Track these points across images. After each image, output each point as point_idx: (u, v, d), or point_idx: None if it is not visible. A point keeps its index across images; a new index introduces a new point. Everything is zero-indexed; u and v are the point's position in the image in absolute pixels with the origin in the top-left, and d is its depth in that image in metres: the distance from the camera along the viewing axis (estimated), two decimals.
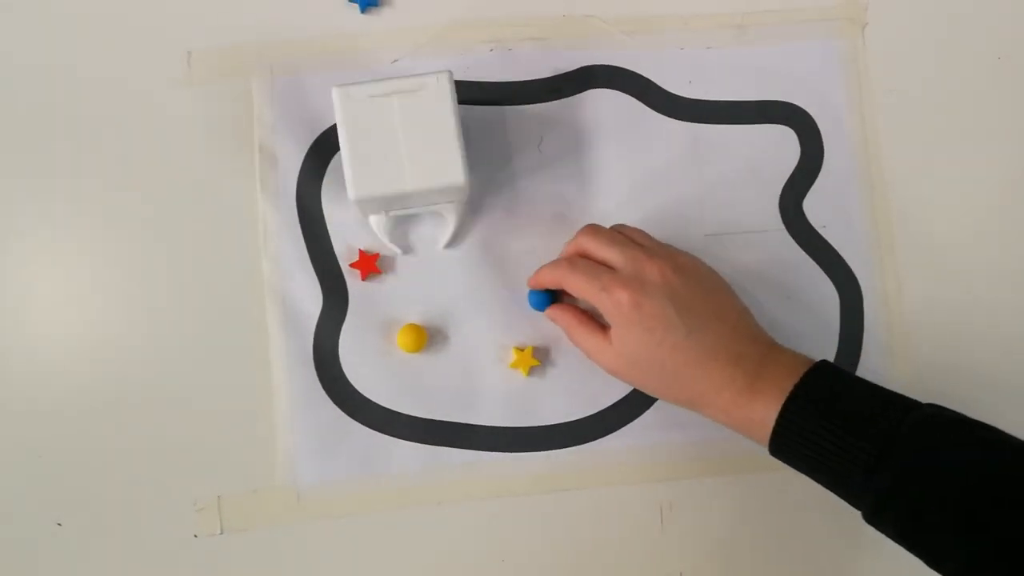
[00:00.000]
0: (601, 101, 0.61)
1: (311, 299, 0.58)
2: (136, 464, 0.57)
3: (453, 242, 0.59)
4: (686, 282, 0.52)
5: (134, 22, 0.60)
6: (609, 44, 0.62)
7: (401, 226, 0.58)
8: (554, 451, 0.58)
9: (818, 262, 0.61)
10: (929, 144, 0.62)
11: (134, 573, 0.57)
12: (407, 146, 0.52)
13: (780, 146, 0.61)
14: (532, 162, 0.60)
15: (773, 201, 0.61)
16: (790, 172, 0.61)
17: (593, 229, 0.55)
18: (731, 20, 0.62)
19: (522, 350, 0.58)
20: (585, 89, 0.61)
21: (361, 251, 0.58)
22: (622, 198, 0.60)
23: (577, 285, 0.53)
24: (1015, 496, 0.45)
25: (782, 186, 0.61)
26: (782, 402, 0.49)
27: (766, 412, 0.49)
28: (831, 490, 0.49)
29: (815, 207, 0.61)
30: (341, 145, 0.52)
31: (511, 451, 0.58)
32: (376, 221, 0.57)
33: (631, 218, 0.60)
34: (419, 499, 0.57)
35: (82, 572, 0.56)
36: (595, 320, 0.55)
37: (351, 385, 0.58)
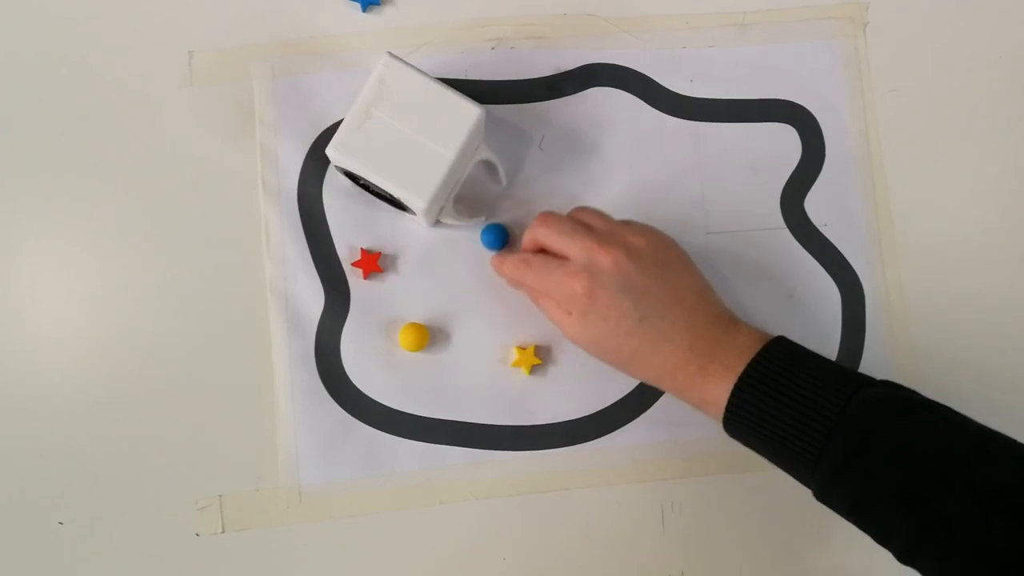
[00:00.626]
0: (603, 99, 0.61)
1: (313, 298, 0.58)
2: (138, 463, 0.57)
3: (509, 179, 0.59)
4: (640, 267, 0.52)
5: (135, 23, 0.60)
6: (611, 42, 0.62)
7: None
8: (556, 450, 0.58)
9: (819, 260, 0.61)
10: (930, 142, 0.62)
11: (135, 572, 0.57)
12: (401, 144, 0.52)
13: (781, 144, 0.61)
14: (533, 160, 0.60)
15: (775, 199, 0.61)
16: (791, 170, 0.61)
17: (546, 219, 0.54)
18: (733, 19, 0.62)
19: (524, 349, 0.58)
20: (587, 88, 0.61)
21: (363, 250, 0.58)
22: (623, 196, 0.60)
23: (532, 281, 0.54)
24: (959, 474, 0.45)
25: (783, 184, 0.61)
26: (733, 383, 0.49)
27: (718, 393, 0.50)
28: (783, 469, 0.50)
29: (816, 205, 0.61)
30: (376, 182, 0.53)
31: (513, 450, 0.58)
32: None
33: (631, 216, 0.60)
34: (421, 498, 0.57)
35: (83, 571, 0.56)
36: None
37: (353, 384, 0.58)
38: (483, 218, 0.59)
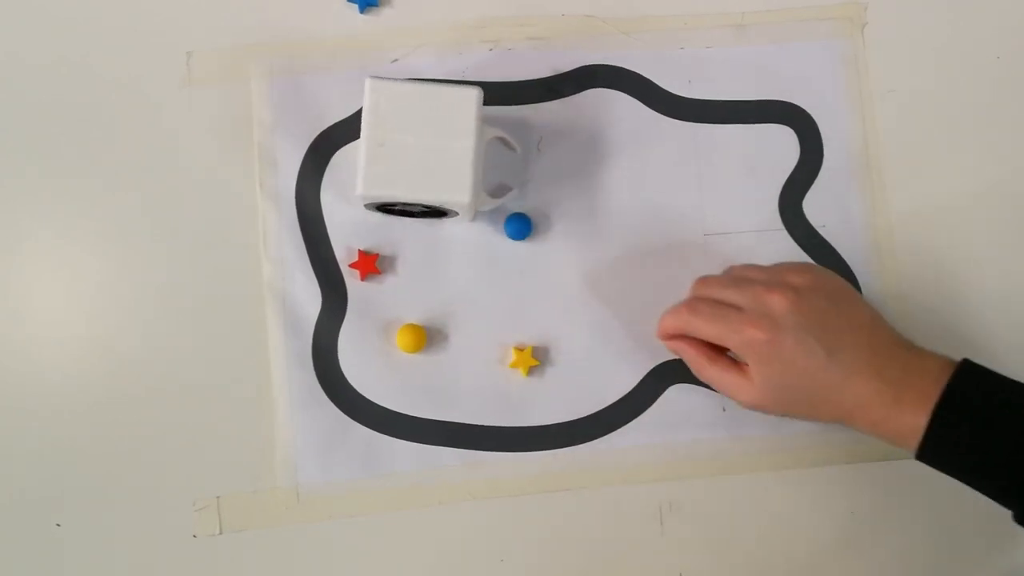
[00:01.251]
0: (601, 101, 0.61)
1: (310, 299, 0.58)
2: (135, 464, 0.57)
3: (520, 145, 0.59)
4: (812, 302, 0.51)
5: (133, 23, 0.60)
6: (609, 44, 0.61)
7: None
8: (554, 451, 0.58)
9: (817, 262, 0.60)
10: (928, 143, 0.62)
11: (133, 573, 0.57)
12: (421, 154, 0.52)
13: (779, 146, 0.61)
14: (531, 162, 0.60)
15: (772, 201, 0.61)
16: (789, 172, 0.61)
17: (705, 279, 0.54)
18: (731, 20, 0.62)
19: (522, 350, 0.58)
20: (585, 89, 0.61)
21: (360, 251, 0.58)
22: (621, 198, 0.60)
23: (704, 329, 0.53)
24: None
25: (781, 186, 0.61)
26: (930, 411, 0.48)
27: (915, 422, 0.48)
28: (983, 493, 0.49)
29: (814, 207, 0.61)
30: (362, 135, 0.52)
31: (511, 451, 0.58)
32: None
33: (630, 217, 0.60)
34: (418, 499, 0.57)
35: (81, 572, 0.56)
36: (725, 355, 0.54)
37: (350, 385, 0.58)
38: (515, 191, 0.59)
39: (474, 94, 0.53)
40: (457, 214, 0.56)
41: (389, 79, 0.53)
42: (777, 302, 0.50)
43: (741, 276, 0.54)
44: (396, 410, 0.58)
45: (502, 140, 0.58)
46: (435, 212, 0.56)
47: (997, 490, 0.49)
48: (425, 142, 0.52)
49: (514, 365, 0.58)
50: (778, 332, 0.50)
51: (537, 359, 0.58)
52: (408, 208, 0.55)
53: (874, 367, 0.50)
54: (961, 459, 0.49)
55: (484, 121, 0.54)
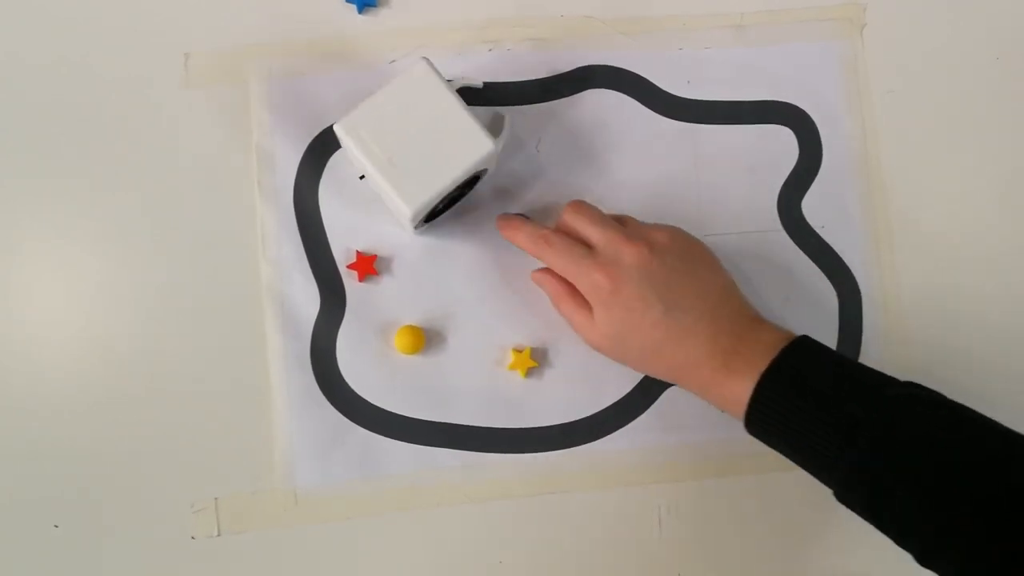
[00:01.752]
0: (599, 101, 0.61)
1: (309, 301, 0.58)
2: (134, 466, 0.57)
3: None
4: (665, 261, 0.52)
5: (131, 25, 0.60)
6: (607, 44, 0.61)
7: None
8: (552, 453, 0.58)
9: (816, 262, 0.61)
10: (927, 144, 0.62)
11: (131, 575, 0.56)
12: (428, 144, 0.52)
13: (779, 146, 0.61)
14: (530, 162, 0.60)
15: (772, 201, 0.61)
16: (788, 172, 0.61)
17: (577, 206, 0.55)
18: (730, 20, 0.62)
19: (520, 352, 0.58)
20: (583, 89, 0.61)
21: (358, 252, 0.58)
22: (620, 198, 0.60)
23: (555, 262, 0.54)
24: (983, 476, 0.45)
25: (780, 186, 0.61)
26: (756, 380, 0.49)
27: (741, 390, 0.50)
28: (804, 468, 0.50)
29: (813, 207, 0.61)
30: (371, 173, 0.52)
31: (509, 452, 0.58)
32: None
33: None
34: (416, 501, 0.57)
35: (79, 574, 0.56)
36: (580, 294, 0.54)
37: (349, 387, 0.58)
38: (507, 116, 0.58)
39: (423, 66, 0.53)
40: (486, 171, 0.56)
41: (438, 74, 0.53)
42: (629, 253, 0.52)
43: (609, 219, 0.54)
44: (394, 411, 0.58)
45: (467, 87, 0.58)
46: (467, 184, 0.55)
47: (817, 467, 0.49)
48: (420, 143, 0.52)
49: (513, 367, 0.58)
50: (622, 281, 0.51)
51: (535, 361, 0.58)
52: (370, 181, 0.55)
53: (710, 332, 0.51)
54: (783, 431, 0.49)
55: (445, 82, 0.54)
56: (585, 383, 0.58)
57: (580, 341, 0.57)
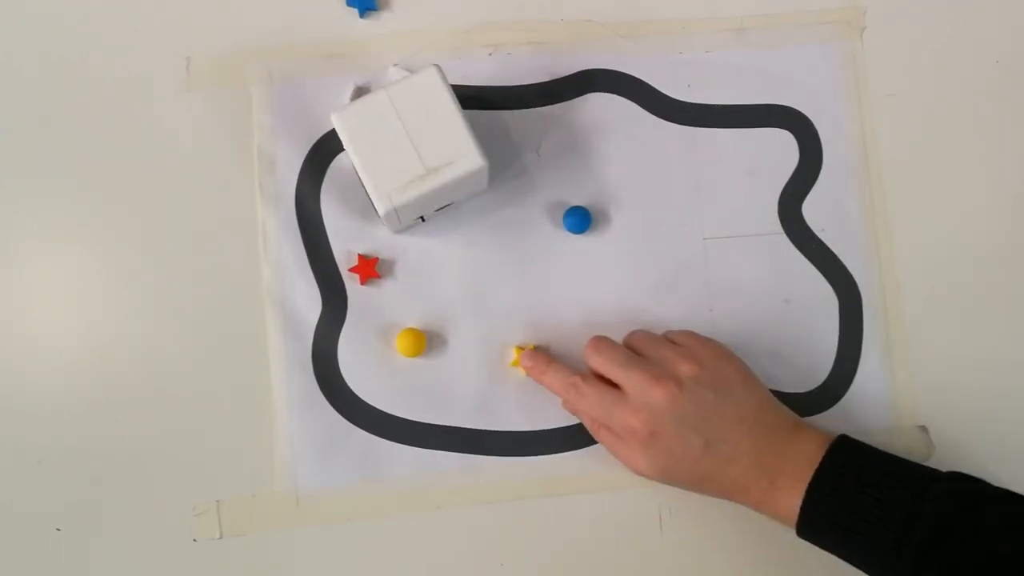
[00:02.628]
0: (600, 105, 0.61)
1: (310, 304, 0.58)
2: (135, 469, 0.57)
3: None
4: (696, 396, 0.52)
5: (133, 27, 0.60)
6: (608, 48, 0.62)
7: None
8: (553, 455, 0.58)
9: (817, 266, 0.61)
10: (927, 147, 0.62)
11: None
12: (418, 149, 0.52)
13: (779, 150, 0.61)
14: (531, 166, 0.60)
15: (772, 205, 0.61)
16: (789, 176, 0.61)
17: (598, 346, 0.55)
18: (730, 24, 0.62)
19: (524, 349, 0.58)
20: (584, 93, 0.61)
21: (360, 255, 0.58)
22: (621, 202, 0.60)
23: (588, 411, 0.55)
24: None
25: (781, 190, 0.61)
26: (803, 494, 0.50)
27: (790, 505, 0.51)
28: (861, 570, 0.51)
29: (814, 211, 0.61)
30: (356, 164, 0.52)
31: (510, 455, 0.58)
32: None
33: (629, 221, 0.60)
34: (418, 503, 0.57)
35: None
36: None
37: (350, 389, 0.58)
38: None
39: (434, 71, 0.53)
40: (480, 191, 0.56)
41: (446, 82, 0.53)
42: (659, 394, 0.52)
43: (632, 357, 0.54)
44: (395, 414, 0.58)
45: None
46: (452, 194, 0.56)
47: (872, 566, 0.50)
48: (412, 145, 0.52)
49: (516, 363, 0.58)
50: (657, 425, 0.52)
51: None
52: (434, 203, 0.55)
53: (752, 455, 0.52)
54: (834, 537, 0.50)
55: (450, 91, 0.54)
56: None
57: (580, 342, 0.57)
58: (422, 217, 0.58)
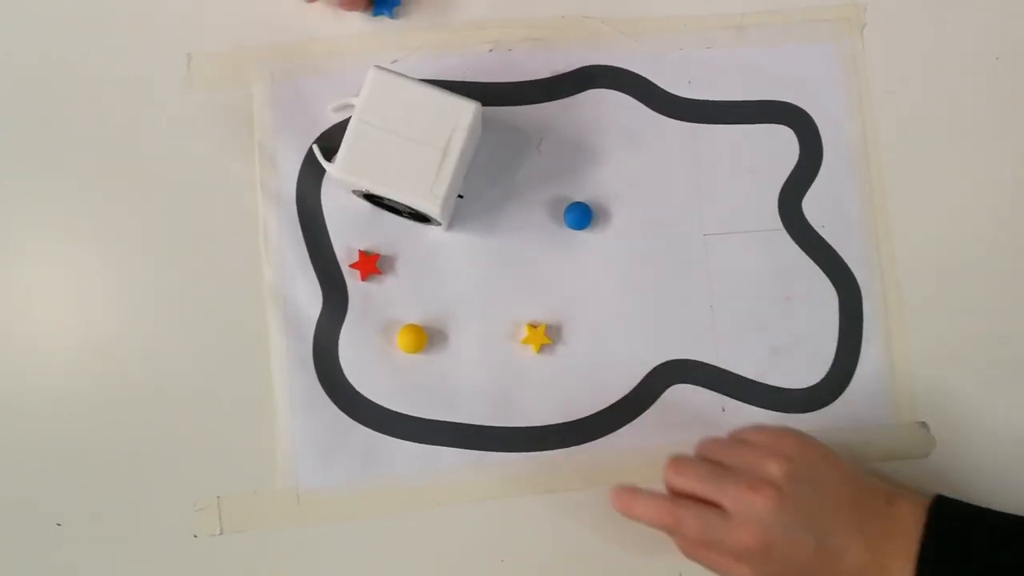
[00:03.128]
0: (600, 101, 0.61)
1: (311, 300, 0.58)
2: (136, 465, 0.57)
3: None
4: (796, 492, 0.50)
5: (134, 25, 0.60)
6: (608, 45, 0.62)
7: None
8: (554, 451, 0.58)
9: (817, 262, 0.61)
10: (928, 144, 0.62)
11: (133, 573, 0.57)
12: (404, 153, 0.52)
13: (779, 146, 0.61)
14: (531, 163, 0.60)
15: (772, 201, 0.61)
16: (789, 172, 0.61)
17: (679, 467, 0.52)
18: (731, 21, 0.62)
19: (535, 327, 0.58)
20: (584, 90, 0.61)
21: (361, 252, 0.59)
22: (621, 198, 0.60)
23: (693, 536, 0.51)
24: None
25: (781, 186, 0.61)
26: (914, 563, 0.49)
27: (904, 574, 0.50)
28: None
29: (814, 207, 0.61)
30: (387, 196, 0.53)
31: (512, 451, 0.58)
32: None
33: (630, 217, 0.60)
34: (419, 500, 0.57)
35: (81, 572, 0.56)
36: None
37: (351, 386, 0.58)
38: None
39: (472, 107, 0.53)
40: (436, 223, 0.56)
41: (393, 72, 0.53)
42: (762, 504, 0.49)
43: (717, 470, 0.52)
44: (396, 410, 0.58)
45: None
46: (417, 215, 0.56)
47: None
48: (412, 142, 0.52)
49: (526, 341, 0.58)
50: (769, 537, 0.49)
51: (549, 338, 0.58)
52: (394, 205, 0.55)
53: (860, 539, 0.50)
54: None
55: (403, 76, 0.53)
56: (586, 381, 0.59)
57: (580, 343, 0.57)
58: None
